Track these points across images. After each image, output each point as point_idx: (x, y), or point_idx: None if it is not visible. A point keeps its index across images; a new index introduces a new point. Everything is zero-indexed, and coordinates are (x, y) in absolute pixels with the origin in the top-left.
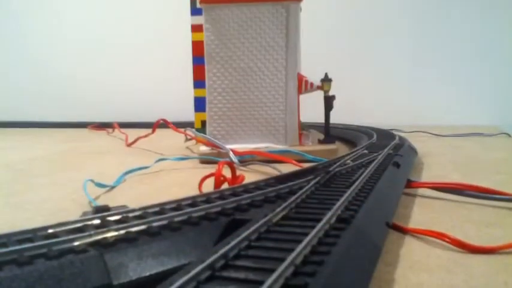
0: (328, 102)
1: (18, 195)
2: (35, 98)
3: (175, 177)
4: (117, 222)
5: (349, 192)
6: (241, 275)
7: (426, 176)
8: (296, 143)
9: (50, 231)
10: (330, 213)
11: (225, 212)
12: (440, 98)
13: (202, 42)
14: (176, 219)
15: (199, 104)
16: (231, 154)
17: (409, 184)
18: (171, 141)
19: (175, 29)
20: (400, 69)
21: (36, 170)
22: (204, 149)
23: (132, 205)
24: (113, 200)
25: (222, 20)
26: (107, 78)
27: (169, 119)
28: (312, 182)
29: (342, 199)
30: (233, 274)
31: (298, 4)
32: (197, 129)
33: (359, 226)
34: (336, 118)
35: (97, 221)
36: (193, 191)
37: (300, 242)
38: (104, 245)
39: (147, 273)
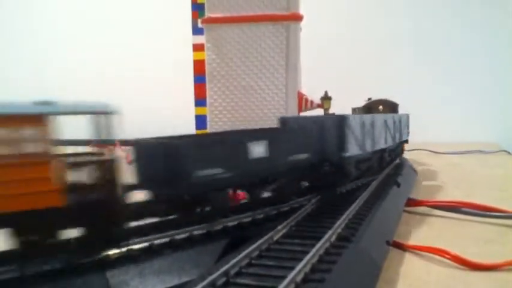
0: None
1: None
2: None
3: None
4: (118, 239)
5: (349, 210)
6: None
7: (426, 194)
8: None
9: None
10: (330, 232)
11: (226, 229)
12: (440, 115)
13: (203, 61)
14: (177, 237)
15: (201, 122)
16: None
17: (410, 202)
18: None
19: (177, 48)
20: (399, 87)
21: None
22: None
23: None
24: None
25: (223, 39)
26: (108, 96)
27: None
28: (313, 200)
29: (343, 217)
30: None
31: (298, 24)
32: None
33: (359, 244)
34: None
35: None
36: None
37: (300, 260)
38: (106, 263)
39: None
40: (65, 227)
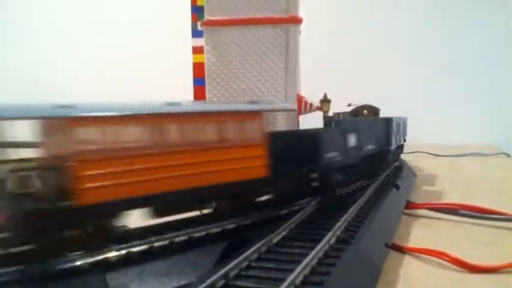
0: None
1: None
2: None
3: None
4: (118, 242)
5: (349, 213)
6: None
7: (426, 197)
8: None
9: None
10: (329, 234)
11: (225, 232)
12: (439, 117)
13: (203, 63)
14: (177, 239)
15: None
16: None
17: (409, 205)
18: None
19: (177, 48)
20: (399, 89)
21: None
22: None
23: (132, 225)
24: None
25: (222, 42)
26: (108, 97)
27: None
28: (312, 203)
29: (342, 220)
30: None
31: (297, 27)
32: None
33: (359, 247)
34: None
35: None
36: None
37: (299, 262)
38: (105, 265)
39: None
40: (265, 193)
